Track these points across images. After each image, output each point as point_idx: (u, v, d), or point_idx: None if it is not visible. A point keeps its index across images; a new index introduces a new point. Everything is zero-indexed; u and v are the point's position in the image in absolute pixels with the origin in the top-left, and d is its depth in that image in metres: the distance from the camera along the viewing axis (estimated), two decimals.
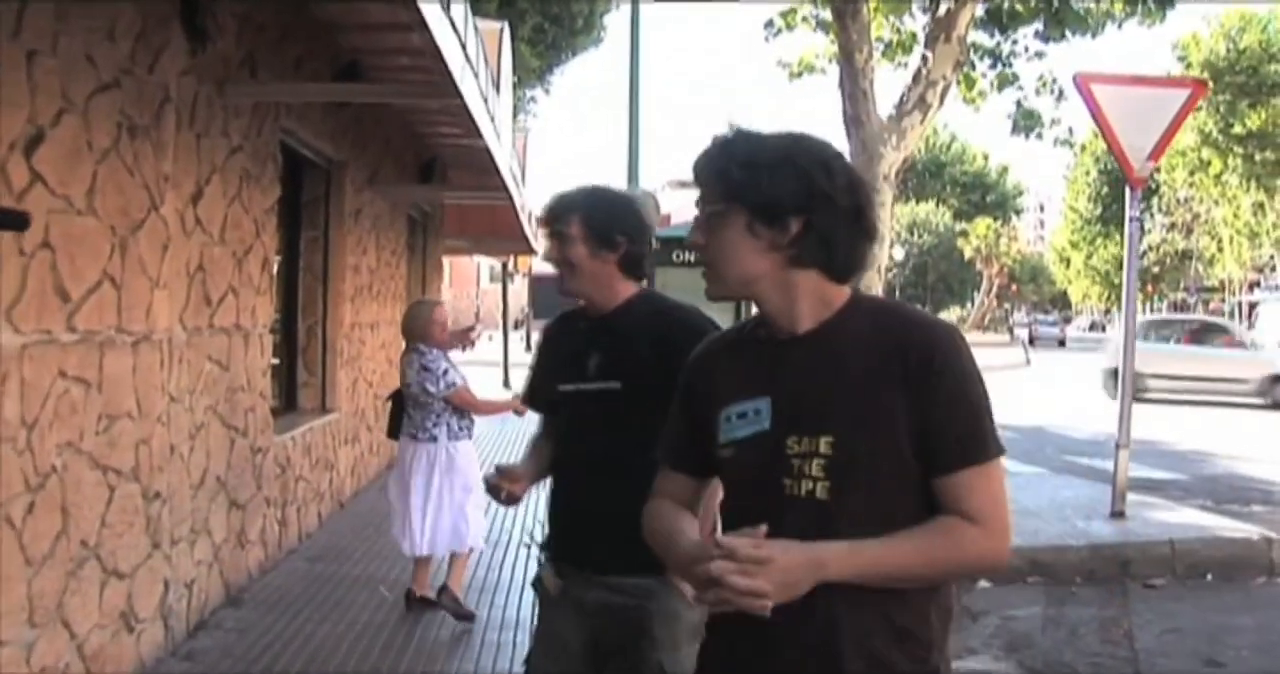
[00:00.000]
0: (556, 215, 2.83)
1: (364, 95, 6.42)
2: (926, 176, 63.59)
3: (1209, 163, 41.41)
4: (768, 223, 1.83)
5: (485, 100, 6.86)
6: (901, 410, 1.78)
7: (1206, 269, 57.72)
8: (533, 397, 3.08)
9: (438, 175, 13.20)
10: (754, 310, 1.97)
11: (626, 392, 2.72)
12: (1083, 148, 66.94)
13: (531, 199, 20.83)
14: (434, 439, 5.87)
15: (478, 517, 6.09)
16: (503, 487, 2.84)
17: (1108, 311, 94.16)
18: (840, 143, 8.32)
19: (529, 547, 7.32)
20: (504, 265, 24.04)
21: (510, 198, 10.57)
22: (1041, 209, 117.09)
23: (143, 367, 4.68)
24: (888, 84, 9.41)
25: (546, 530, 2.97)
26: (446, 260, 62.21)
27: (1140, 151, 7.82)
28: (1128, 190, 8.05)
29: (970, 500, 1.79)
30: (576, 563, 2.78)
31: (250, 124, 6.11)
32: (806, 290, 1.87)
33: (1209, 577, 7.26)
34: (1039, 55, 9.55)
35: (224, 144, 5.68)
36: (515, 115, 18.93)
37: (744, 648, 1.84)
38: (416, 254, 14.68)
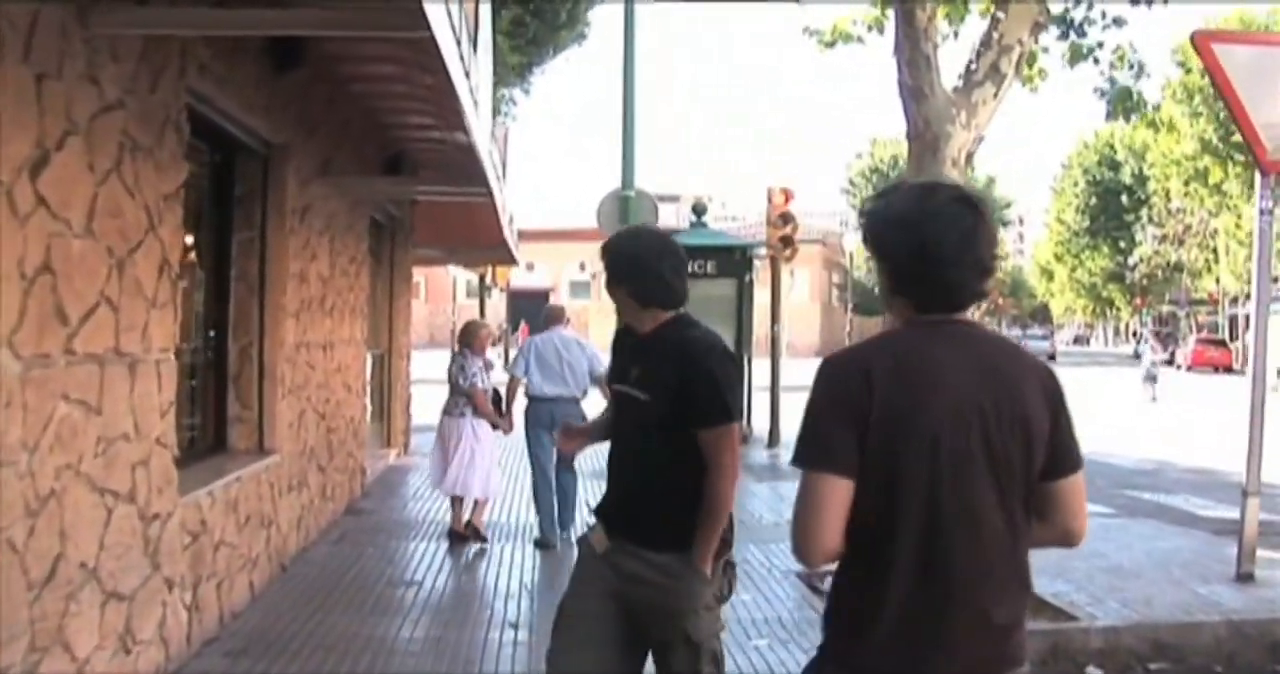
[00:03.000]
0: (601, 257, 3.52)
1: (289, 25, 4.77)
2: None
3: (1207, 171, 40.12)
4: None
5: (462, 57, 5.24)
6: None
7: (1195, 282, 56.52)
8: (607, 383, 3.79)
9: (406, 173, 11.56)
10: None
11: (653, 404, 3.30)
12: (1071, 161, 66.17)
13: (514, 205, 19.25)
14: (464, 415, 8.32)
15: (496, 475, 8.63)
16: (564, 446, 4.22)
17: (1091, 325, 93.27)
18: (889, 123, 6.75)
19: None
20: (481, 278, 22.41)
21: (490, 194, 8.95)
22: (1021, 221, 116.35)
23: None
24: (947, 56, 7.81)
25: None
26: (419, 272, 60.48)
27: (1275, 128, 6.28)
28: (1258, 177, 6.52)
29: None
30: (619, 533, 3.35)
31: (137, 74, 4.48)
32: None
33: None
34: (1117, 22, 7.99)
35: (89, 95, 4.05)
36: (494, 114, 17.33)
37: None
38: (383, 263, 13.04)
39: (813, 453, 2.15)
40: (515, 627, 6.12)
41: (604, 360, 6.53)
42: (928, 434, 2.11)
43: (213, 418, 7.02)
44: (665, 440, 3.24)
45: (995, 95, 6.92)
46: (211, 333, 6.99)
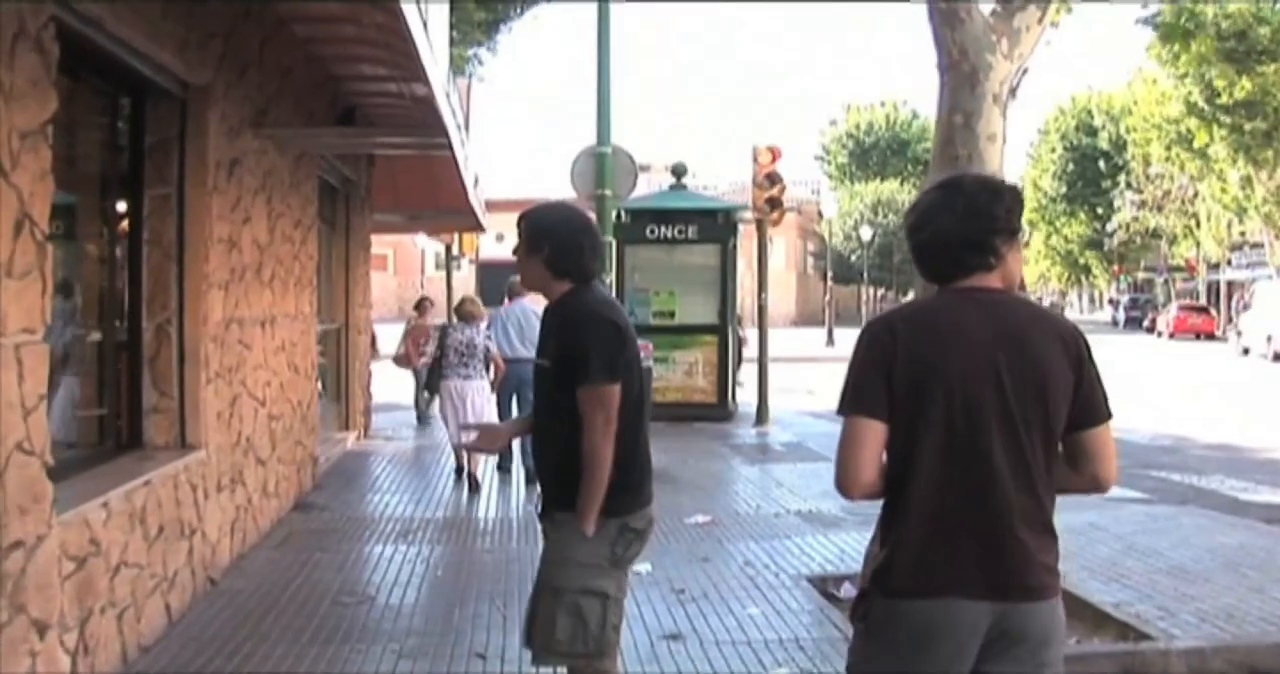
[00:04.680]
0: (517, 226, 3.63)
1: None
2: (889, 154, 61.34)
3: (1190, 135, 39.19)
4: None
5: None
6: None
7: (1172, 248, 55.89)
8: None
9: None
10: None
11: (551, 371, 3.49)
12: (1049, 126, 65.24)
13: (484, 174, 18.12)
14: (482, 376, 9.60)
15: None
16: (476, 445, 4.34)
17: (1064, 293, 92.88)
18: (920, 49, 5.72)
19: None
20: (447, 248, 21.27)
21: (449, 146, 7.85)
22: None
23: None
24: None
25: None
26: (386, 244, 58.83)
27: None
28: None
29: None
30: (543, 502, 3.61)
31: None
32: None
33: None
34: None
35: None
36: (458, 72, 16.17)
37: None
38: (338, 230, 11.96)
39: (848, 399, 2.46)
40: (483, 657, 5.11)
41: (485, 338, 9.62)
42: (945, 384, 2.39)
43: (125, 410, 5.96)
44: (560, 405, 3.41)
45: (1040, 20, 5.90)
46: (123, 309, 5.93)
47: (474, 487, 9.42)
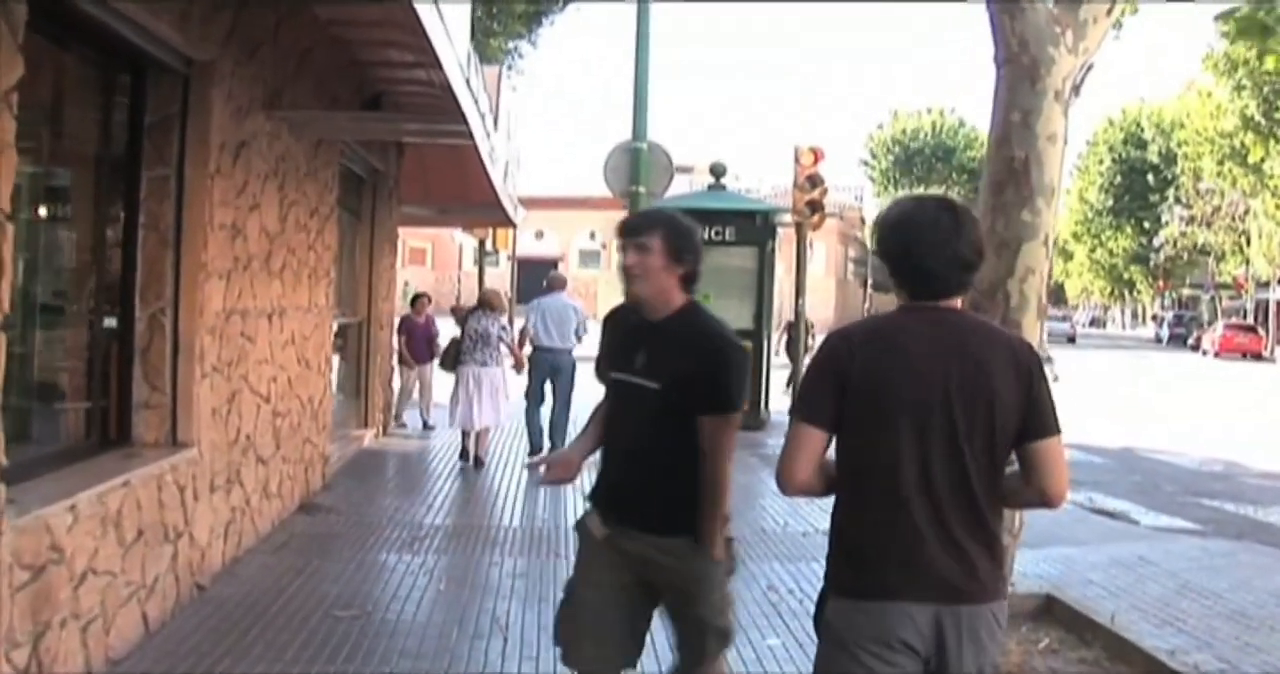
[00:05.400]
0: (642, 229, 3.38)
1: None
2: (934, 161, 60.55)
3: (1245, 150, 38.22)
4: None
5: None
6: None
7: (1219, 265, 54.74)
8: (598, 372, 3.60)
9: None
10: None
11: (663, 392, 3.26)
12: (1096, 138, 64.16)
13: (525, 171, 17.75)
14: (497, 364, 10.39)
15: (505, 409, 10.62)
16: (551, 478, 3.65)
17: (1107, 308, 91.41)
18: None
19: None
20: (481, 243, 20.92)
21: (470, 135, 7.46)
22: None
23: None
24: None
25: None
26: (426, 239, 58.76)
27: None
28: None
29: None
30: (619, 520, 3.37)
31: None
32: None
33: None
34: None
35: None
36: (494, 62, 15.82)
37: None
38: (363, 221, 11.61)
39: (797, 405, 2.70)
40: None
41: (588, 323, 10.47)
42: (897, 397, 2.59)
43: (115, 404, 5.62)
44: (672, 428, 3.26)
45: (1108, 12, 5.42)
46: (116, 297, 5.59)
47: (478, 464, 10.30)
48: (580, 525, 3.55)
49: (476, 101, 7.65)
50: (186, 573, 5.64)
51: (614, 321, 3.58)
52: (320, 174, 8.42)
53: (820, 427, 2.61)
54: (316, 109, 7.98)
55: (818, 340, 16.22)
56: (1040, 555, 6.85)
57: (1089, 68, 5.40)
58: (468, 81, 6.86)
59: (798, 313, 14.22)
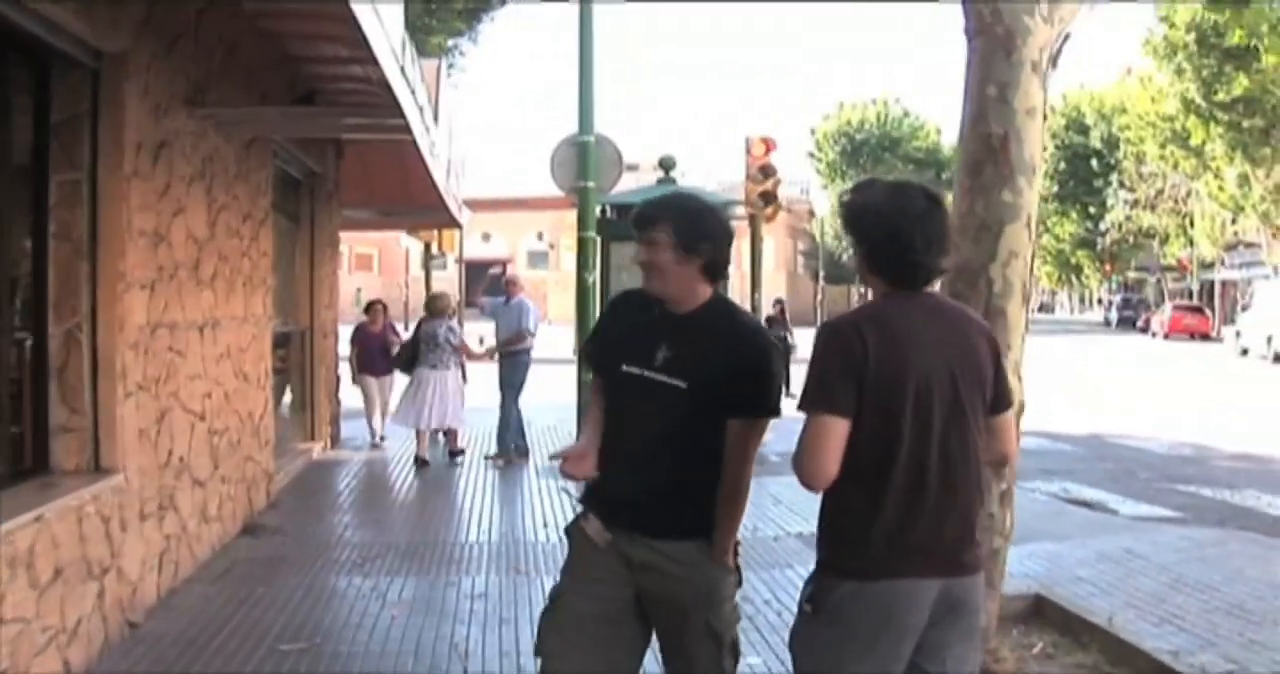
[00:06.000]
0: (647, 221, 3.05)
1: None
2: (881, 152, 60.59)
3: (1186, 133, 38.48)
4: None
5: None
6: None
7: (1163, 247, 55.30)
8: (594, 362, 3.30)
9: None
10: None
11: (692, 392, 2.97)
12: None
13: (470, 172, 17.30)
14: (449, 367, 10.72)
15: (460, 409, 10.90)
16: (574, 471, 3.14)
17: (1055, 293, 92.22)
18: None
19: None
20: (427, 246, 20.42)
21: (409, 129, 7.02)
22: None
23: None
24: None
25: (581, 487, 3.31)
26: (372, 245, 58.04)
27: None
28: None
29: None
30: (626, 525, 3.04)
31: None
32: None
33: None
34: None
35: None
36: (441, 61, 15.33)
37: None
38: (302, 226, 11.14)
39: (819, 397, 2.64)
40: None
41: (534, 317, 11.06)
42: (912, 386, 2.63)
43: (29, 428, 5.15)
44: (695, 429, 3.00)
45: None
46: (28, 313, 5.13)
47: (458, 454, 10.87)
48: (574, 530, 3.19)
49: (414, 92, 7.21)
50: (116, 611, 5.18)
51: (625, 308, 3.23)
52: (252, 177, 7.96)
53: (845, 416, 2.60)
54: (244, 106, 7.52)
55: (795, 334, 15.84)
56: (1024, 552, 6.54)
57: (1066, 37, 5.09)
58: (403, 69, 6.43)
59: (753, 308, 13.91)
